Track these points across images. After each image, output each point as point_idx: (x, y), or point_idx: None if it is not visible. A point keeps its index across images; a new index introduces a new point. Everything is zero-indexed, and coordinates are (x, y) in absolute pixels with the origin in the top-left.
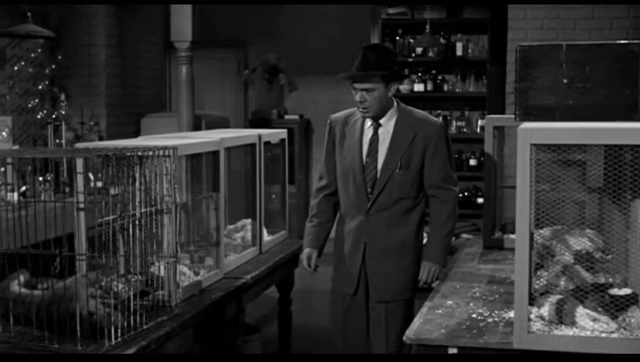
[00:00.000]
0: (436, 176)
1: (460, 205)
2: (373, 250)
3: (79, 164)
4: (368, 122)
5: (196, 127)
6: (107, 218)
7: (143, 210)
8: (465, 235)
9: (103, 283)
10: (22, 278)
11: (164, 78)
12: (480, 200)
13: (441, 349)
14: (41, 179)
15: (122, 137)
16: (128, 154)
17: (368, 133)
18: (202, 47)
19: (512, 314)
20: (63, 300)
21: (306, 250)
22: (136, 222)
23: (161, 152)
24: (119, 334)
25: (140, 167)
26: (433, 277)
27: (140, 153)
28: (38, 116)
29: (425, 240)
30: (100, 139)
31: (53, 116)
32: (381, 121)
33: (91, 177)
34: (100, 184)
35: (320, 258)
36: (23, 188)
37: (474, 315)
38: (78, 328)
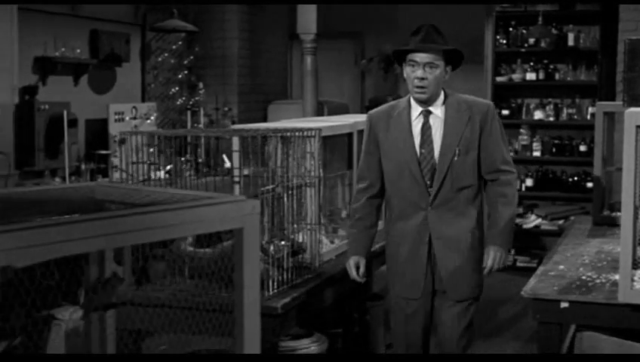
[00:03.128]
0: (495, 159)
1: (569, 189)
2: (440, 245)
3: (235, 142)
4: (416, 111)
5: (319, 112)
6: (267, 187)
7: (293, 183)
8: (572, 218)
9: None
10: (190, 238)
11: (287, 68)
12: (589, 184)
13: (554, 303)
14: (182, 159)
15: (252, 122)
16: (280, 134)
17: (418, 123)
18: (323, 38)
19: (617, 276)
20: (228, 257)
21: (353, 258)
22: (289, 192)
23: (307, 133)
24: (275, 286)
25: (289, 146)
26: (499, 263)
27: (291, 134)
28: (178, 102)
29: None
30: (233, 123)
31: (191, 102)
32: (431, 108)
33: (225, 158)
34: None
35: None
36: (168, 166)
37: (583, 277)
38: None
